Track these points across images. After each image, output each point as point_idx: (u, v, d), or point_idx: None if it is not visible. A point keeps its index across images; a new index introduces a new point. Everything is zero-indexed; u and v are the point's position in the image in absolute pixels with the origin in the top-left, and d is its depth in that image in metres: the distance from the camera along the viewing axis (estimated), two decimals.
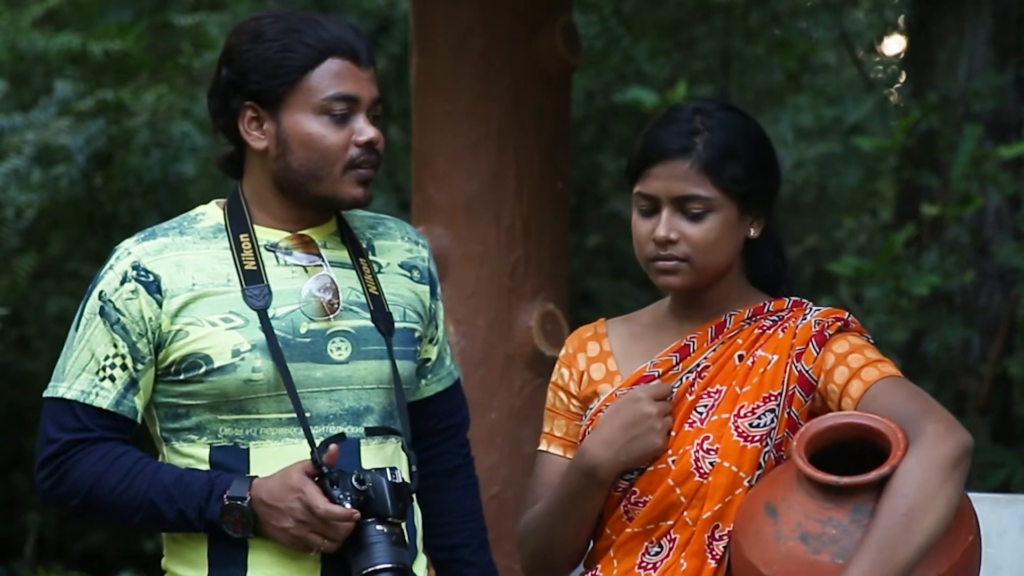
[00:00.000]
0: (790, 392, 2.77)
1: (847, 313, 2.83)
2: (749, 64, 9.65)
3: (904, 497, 2.57)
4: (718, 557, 2.75)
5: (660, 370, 2.82)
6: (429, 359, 2.97)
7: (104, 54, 8.32)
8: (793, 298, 2.87)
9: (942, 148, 7.17)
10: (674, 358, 2.83)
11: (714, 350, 2.82)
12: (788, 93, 9.69)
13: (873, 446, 2.65)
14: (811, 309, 2.84)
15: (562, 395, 2.94)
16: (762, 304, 2.86)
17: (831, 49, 10.05)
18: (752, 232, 2.83)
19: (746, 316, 2.84)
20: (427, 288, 2.94)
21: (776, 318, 2.84)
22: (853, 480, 2.60)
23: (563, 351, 2.97)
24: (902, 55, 8.92)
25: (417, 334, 2.90)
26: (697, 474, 2.76)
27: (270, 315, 2.76)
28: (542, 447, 2.95)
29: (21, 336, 8.78)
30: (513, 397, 4.69)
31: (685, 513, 2.77)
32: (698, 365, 2.82)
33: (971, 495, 3.53)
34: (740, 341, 2.82)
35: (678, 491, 2.77)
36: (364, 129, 2.78)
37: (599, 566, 2.85)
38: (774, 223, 2.90)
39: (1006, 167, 7.15)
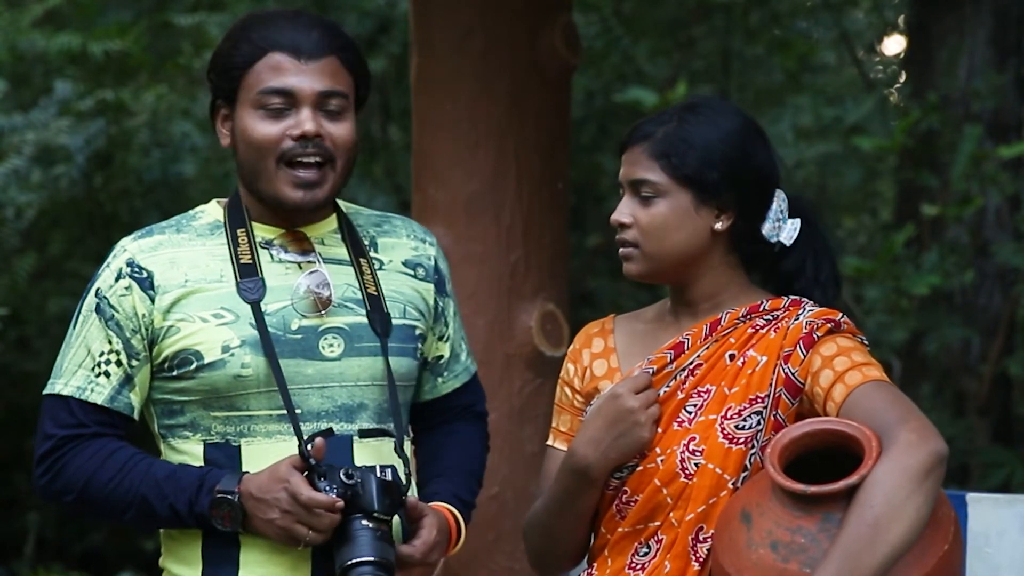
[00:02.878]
0: (776, 394, 2.75)
1: (840, 314, 2.78)
2: (749, 64, 9.65)
3: (871, 507, 2.53)
4: (702, 559, 2.74)
5: (655, 367, 2.80)
6: (442, 356, 2.98)
7: (104, 54, 8.32)
8: (792, 297, 2.84)
9: (942, 148, 7.17)
10: (668, 355, 2.81)
11: (707, 348, 2.80)
12: (788, 93, 9.69)
13: (854, 453, 2.61)
14: (805, 309, 2.80)
15: (567, 390, 2.93)
16: (758, 302, 2.83)
17: (831, 49, 10.05)
18: (718, 226, 2.80)
19: (741, 314, 2.81)
20: (431, 286, 2.94)
21: (771, 317, 2.81)
22: (820, 489, 2.57)
23: (571, 346, 2.96)
24: (902, 55, 8.93)
25: (418, 331, 2.89)
26: (682, 475, 2.75)
27: (262, 310, 2.76)
28: (549, 442, 2.95)
29: (21, 336, 8.77)
30: (513, 397, 4.68)
31: (671, 514, 2.76)
32: (691, 363, 2.80)
33: (971, 495, 3.53)
34: (733, 340, 2.80)
35: (664, 491, 2.76)
36: (302, 122, 2.77)
37: (595, 564, 2.85)
38: (813, 227, 2.86)
39: (1006, 167, 7.15)
